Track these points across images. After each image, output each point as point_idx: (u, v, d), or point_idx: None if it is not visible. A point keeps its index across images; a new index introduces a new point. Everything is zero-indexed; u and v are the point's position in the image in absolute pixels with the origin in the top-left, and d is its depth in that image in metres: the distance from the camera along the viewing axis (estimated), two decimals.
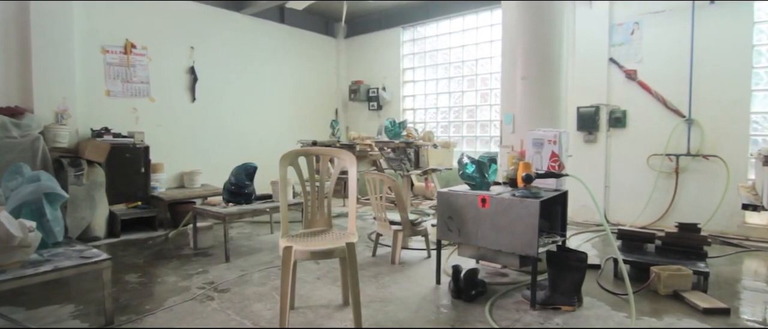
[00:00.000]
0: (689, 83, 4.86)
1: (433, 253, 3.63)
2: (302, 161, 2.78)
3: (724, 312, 2.72)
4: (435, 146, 5.71)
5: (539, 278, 2.89)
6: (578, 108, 5.49)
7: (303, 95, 8.04)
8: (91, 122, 5.15)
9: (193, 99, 6.33)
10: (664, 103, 5.05)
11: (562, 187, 3.17)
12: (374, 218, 4.19)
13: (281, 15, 7.66)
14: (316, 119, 8.22)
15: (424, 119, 8.02)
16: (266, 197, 4.55)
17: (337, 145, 6.34)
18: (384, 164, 6.20)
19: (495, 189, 3.12)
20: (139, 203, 5.18)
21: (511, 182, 3.15)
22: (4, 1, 4.56)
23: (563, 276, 2.78)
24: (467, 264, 3.40)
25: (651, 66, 5.14)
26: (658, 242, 3.54)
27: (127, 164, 5.10)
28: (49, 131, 4.60)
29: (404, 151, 5.40)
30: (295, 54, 7.91)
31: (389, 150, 5.50)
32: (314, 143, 6.31)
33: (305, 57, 8.12)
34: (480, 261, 3.55)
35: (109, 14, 5.39)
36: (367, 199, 4.35)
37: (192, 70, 6.30)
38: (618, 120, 5.33)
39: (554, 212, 3.22)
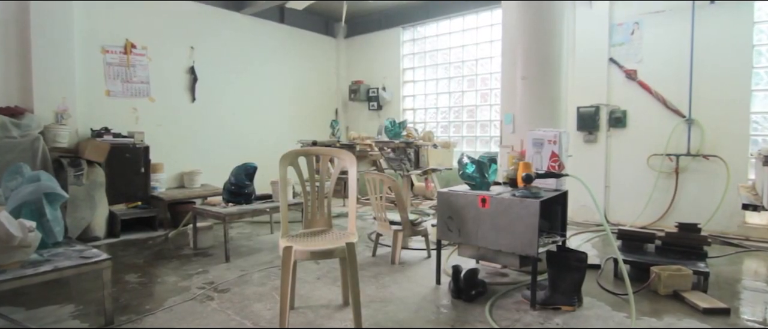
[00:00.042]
0: (689, 82, 4.86)
1: (433, 253, 3.63)
2: (302, 161, 2.78)
3: (724, 312, 2.72)
4: (435, 146, 5.71)
5: (539, 278, 2.89)
6: (578, 108, 5.49)
7: (303, 95, 8.04)
8: (91, 122, 5.15)
9: (193, 99, 6.33)
10: (664, 103, 5.05)
11: (562, 187, 3.17)
12: (374, 218, 4.19)
13: (281, 15, 7.66)
14: (316, 119, 8.22)
15: (424, 119, 8.02)
16: (266, 197, 4.55)
17: (337, 145, 6.34)
18: (384, 164, 6.20)
19: (495, 189, 3.12)
20: (139, 203, 5.18)
21: (511, 182, 3.15)
22: (4, 1, 4.56)
23: (563, 276, 2.78)
24: (467, 264, 3.40)
25: (651, 66, 5.14)
26: (658, 242, 3.54)
27: (127, 164, 5.10)
28: (49, 131, 4.60)
29: (404, 151, 5.39)
30: (295, 54, 7.90)
31: (389, 150, 5.50)
32: (314, 143, 6.30)
33: (305, 57, 8.12)
34: (480, 261, 3.55)
35: (109, 14, 5.39)
36: (367, 199, 4.35)
37: (192, 70, 6.30)
38: (618, 120, 5.33)
39: (554, 212, 3.22)
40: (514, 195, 2.87)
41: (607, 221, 5.20)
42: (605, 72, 5.39)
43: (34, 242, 2.42)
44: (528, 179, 2.91)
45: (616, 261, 3.43)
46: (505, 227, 2.82)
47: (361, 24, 8.55)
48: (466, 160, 3.17)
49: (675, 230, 3.60)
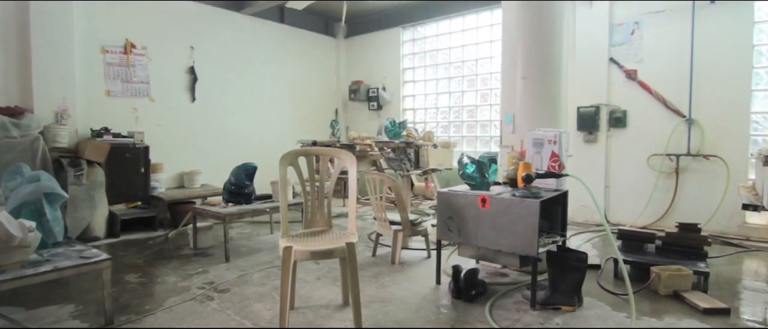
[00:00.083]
0: (689, 82, 4.86)
1: (433, 253, 3.63)
2: (302, 161, 2.78)
3: (725, 312, 2.72)
4: (435, 146, 5.71)
5: (539, 278, 2.89)
6: (578, 108, 5.49)
7: (303, 95, 8.04)
8: (91, 122, 5.15)
9: (193, 99, 6.33)
10: (665, 103, 5.04)
11: (562, 187, 3.17)
12: (374, 218, 4.19)
13: (281, 15, 7.66)
14: (316, 119, 8.22)
15: (424, 119, 8.01)
16: (266, 197, 4.55)
17: (337, 145, 6.33)
18: (384, 164, 6.20)
19: (495, 189, 3.12)
20: (139, 203, 5.18)
21: (511, 182, 3.15)
22: (4, 1, 4.56)
23: (563, 276, 2.78)
24: (467, 264, 3.40)
25: (651, 66, 5.13)
26: (658, 242, 3.54)
27: (127, 164, 5.10)
28: (48, 131, 4.60)
29: (404, 151, 5.39)
30: (295, 54, 7.90)
31: (389, 150, 5.50)
32: (314, 143, 6.30)
33: (305, 57, 8.12)
34: (480, 261, 3.55)
35: (109, 14, 5.39)
36: (367, 199, 4.35)
37: (192, 70, 6.30)
38: (618, 120, 5.33)
39: (554, 212, 3.21)
40: (514, 195, 2.86)
41: (607, 221, 5.20)
42: (605, 72, 5.39)
43: (33, 242, 2.41)
44: (528, 179, 2.91)
45: (616, 261, 3.42)
46: (505, 227, 2.82)
47: (361, 24, 8.55)
48: (466, 160, 3.17)
49: (675, 230, 3.60)
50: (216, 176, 5.82)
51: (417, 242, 4.34)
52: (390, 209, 4.13)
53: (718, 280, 3.33)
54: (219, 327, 2.57)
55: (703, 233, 3.52)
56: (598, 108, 5.41)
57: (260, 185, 4.77)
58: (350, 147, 6.27)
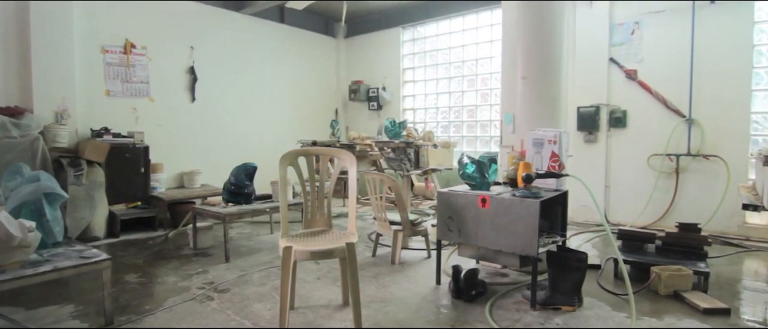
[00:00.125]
0: (689, 82, 4.86)
1: (433, 253, 3.63)
2: (302, 161, 2.78)
3: (725, 312, 2.72)
4: (435, 146, 5.71)
5: (539, 278, 2.89)
6: (578, 108, 5.49)
7: (303, 95, 8.04)
8: (91, 122, 5.15)
9: (193, 99, 6.33)
10: (665, 103, 5.04)
11: (562, 187, 3.17)
12: (374, 218, 4.19)
13: (281, 15, 7.65)
14: (316, 119, 8.21)
15: (424, 119, 8.01)
16: (266, 197, 4.55)
17: (337, 145, 6.33)
18: (384, 164, 6.20)
19: (495, 189, 3.12)
20: (139, 203, 5.17)
21: (511, 182, 3.15)
22: (4, 1, 4.56)
23: (563, 276, 2.77)
24: (467, 264, 3.40)
25: (651, 66, 5.13)
26: (658, 242, 3.54)
27: (127, 164, 5.10)
28: (48, 131, 4.60)
29: (404, 151, 5.39)
30: (295, 54, 7.90)
31: (389, 150, 5.50)
32: (314, 143, 6.30)
33: (305, 57, 8.12)
34: (480, 261, 3.55)
35: (109, 14, 5.39)
36: (367, 199, 4.34)
37: (192, 70, 6.30)
38: (618, 120, 5.32)
39: (554, 212, 3.21)
40: (514, 195, 2.86)
41: (608, 222, 5.20)
42: (605, 72, 5.38)
43: (33, 242, 2.41)
44: (528, 179, 2.91)
45: (616, 261, 3.42)
46: (505, 228, 2.82)
47: (361, 24, 8.54)
48: (466, 160, 3.17)
49: (675, 230, 3.60)
50: (216, 176, 5.82)
51: (417, 242, 4.34)
52: (390, 209, 4.13)
53: (719, 280, 3.33)
54: (219, 327, 2.57)
55: (703, 234, 3.52)
56: (598, 108, 5.40)
57: (260, 185, 4.77)
58: (350, 147, 6.27)
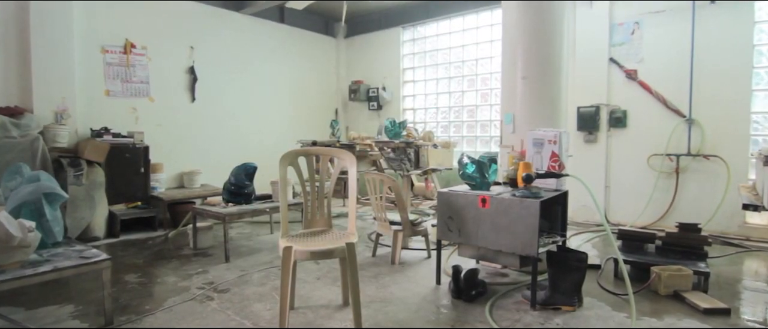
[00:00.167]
0: (690, 82, 4.86)
1: (433, 253, 3.63)
2: (302, 161, 2.77)
3: (725, 313, 2.72)
4: (435, 146, 5.71)
5: (539, 278, 2.89)
6: (578, 108, 5.48)
7: (303, 95, 8.04)
8: (91, 122, 5.15)
9: (193, 99, 6.33)
10: (665, 103, 5.04)
11: (562, 187, 3.16)
12: (374, 219, 4.19)
13: (281, 15, 7.65)
14: (316, 119, 8.21)
15: (424, 119, 8.01)
16: (266, 197, 4.55)
17: (337, 145, 6.33)
18: (384, 164, 6.19)
19: (495, 189, 3.11)
20: (139, 203, 5.17)
21: (512, 182, 3.15)
22: (4, 1, 4.56)
23: (563, 276, 2.77)
24: (467, 264, 3.40)
25: (651, 66, 5.13)
26: (658, 242, 3.54)
27: (127, 164, 5.10)
28: (48, 131, 4.60)
29: (404, 151, 5.39)
30: (295, 54, 7.90)
31: (389, 150, 5.50)
32: (314, 143, 6.30)
33: (305, 57, 8.11)
34: (480, 261, 3.55)
35: (108, 14, 5.39)
36: (367, 199, 4.34)
37: (192, 70, 6.30)
38: (618, 120, 5.32)
39: (554, 212, 3.21)
40: (514, 195, 2.86)
41: (608, 222, 5.19)
42: (605, 72, 5.38)
43: (33, 242, 2.41)
44: (528, 179, 2.91)
45: (616, 261, 3.42)
46: (505, 228, 2.82)
47: (361, 24, 8.54)
48: (466, 160, 3.17)
49: (675, 230, 3.59)
50: (216, 176, 5.82)
51: (417, 242, 4.34)
52: (390, 209, 4.12)
53: (719, 280, 3.33)
54: (219, 327, 2.57)
55: (703, 234, 3.52)
56: (598, 108, 5.40)
57: (260, 185, 4.77)
58: (350, 147, 6.27)
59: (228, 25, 6.77)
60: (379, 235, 4.04)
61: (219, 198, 4.39)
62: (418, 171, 5.50)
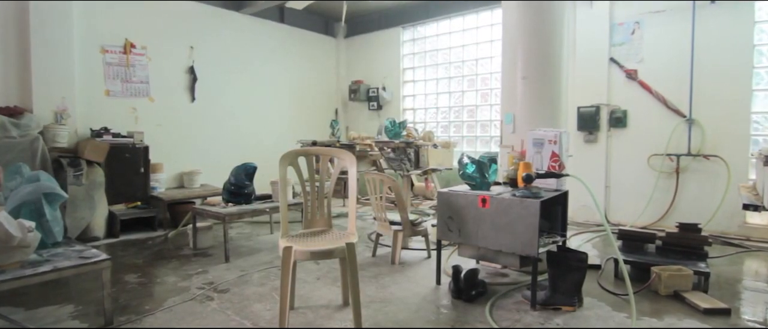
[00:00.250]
0: (690, 82, 4.86)
1: (433, 253, 3.63)
2: (302, 161, 2.77)
3: (725, 313, 2.71)
4: (435, 146, 5.71)
5: (539, 278, 2.88)
6: (579, 108, 5.48)
7: (303, 95, 8.04)
8: (91, 122, 5.14)
9: (193, 99, 6.33)
10: (665, 103, 5.04)
11: (562, 187, 3.16)
12: (374, 219, 4.18)
13: (281, 15, 7.65)
14: (316, 119, 8.21)
15: (424, 119, 8.01)
16: (266, 197, 4.54)
17: (337, 145, 6.33)
18: (384, 164, 6.19)
19: (495, 189, 3.11)
20: (139, 203, 5.17)
21: (512, 182, 3.15)
22: (4, 1, 4.55)
23: (564, 276, 2.77)
24: (467, 264, 3.39)
25: (651, 66, 5.13)
26: (658, 242, 3.53)
27: (127, 164, 5.10)
28: (48, 131, 4.60)
29: (404, 151, 5.39)
30: (295, 54, 7.90)
31: (389, 150, 5.50)
32: (314, 143, 6.30)
33: (305, 57, 8.11)
34: (480, 261, 3.55)
35: (108, 14, 5.39)
36: (367, 199, 4.34)
37: (191, 70, 6.29)
38: (618, 120, 5.32)
39: (554, 213, 3.21)
40: (514, 195, 2.86)
41: (608, 222, 5.19)
42: (606, 72, 5.38)
43: (33, 242, 2.41)
44: (528, 179, 2.91)
45: (616, 261, 3.42)
46: (506, 228, 2.81)
47: (361, 24, 8.54)
48: (466, 160, 3.16)
49: (675, 230, 3.59)
50: (216, 176, 5.81)
51: (417, 242, 4.33)
52: (390, 209, 4.12)
53: (719, 280, 3.33)
54: (219, 327, 2.57)
55: (703, 234, 3.52)
56: (598, 108, 5.40)
57: (260, 185, 4.77)
58: (350, 147, 6.27)
59: (228, 25, 6.77)
60: (379, 235, 4.04)
61: (219, 198, 4.39)
62: (418, 171, 5.50)
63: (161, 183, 5.63)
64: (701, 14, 4.80)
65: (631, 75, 5.25)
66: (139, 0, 5.66)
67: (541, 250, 2.80)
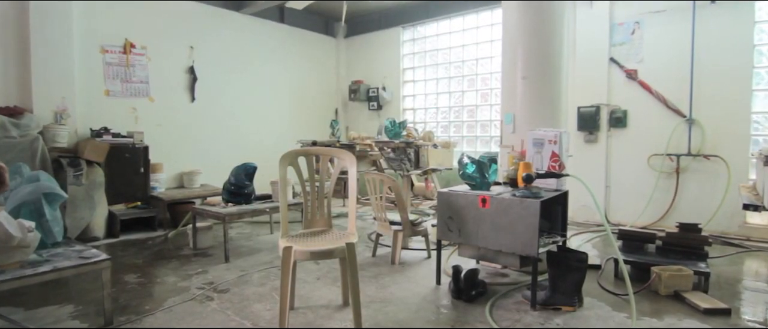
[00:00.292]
0: (690, 82, 4.86)
1: (433, 253, 3.63)
2: (302, 161, 2.77)
3: (725, 313, 2.71)
4: (435, 146, 5.71)
5: (539, 278, 2.88)
6: (579, 108, 5.48)
7: (303, 94, 8.04)
8: (91, 122, 5.14)
9: (193, 99, 6.32)
10: (665, 103, 5.04)
11: (562, 187, 3.16)
12: (374, 219, 4.18)
13: (281, 15, 7.65)
14: (316, 119, 8.21)
15: (424, 119, 8.01)
16: (266, 197, 4.54)
17: (337, 145, 6.33)
18: (384, 164, 6.19)
19: (495, 189, 3.11)
20: (139, 203, 5.17)
21: (512, 182, 3.15)
22: (4, 1, 4.55)
23: (564, 276, 2.77)
24: (467, 264, 3.39)
25: (652, 66, 5.13)
26: (658, 242, 3.53)
27: (127, 164, 5.10)
28: (48, 131, 4.60)
29: (404, 151, 5.39)
30: (295, 54, 7.90)
31: (389, 150, 5.50)
32: (314, 143, 6.30)
33: (305, 57, 8.11)
34: (480, 261, 3.55)
35: (108, 14, 5.39)
36: (367, 199, 4.34)
37: (191, 70, 6.29)
38: (618, 120, 5.32)
39: (555, 213, 3.21)
40: (514, 195, 2.86)
41: (608, 222, 5.19)
42: (606, 72, 5.38)
43: (33, 242, 2.41)
44: (528, 179, 2.91)
45: (616, 261, 3.42)
46: (506, 228, 2.81)
47: (361, 24, 8.54)
48: (466, 160, 3.16)
49: (676, 230, 3.59)
50: (216, 176, 5.81)
51: (417, 242, 4.33)
52: (390, 209, 4.12)
53: (719, 280, 3.33)
54: (219, 327, 2.57)
55: (703, 234, 3.52)
56: (598, 108, 5.40)
57: (260, 185, 4.77)
58: (350, 147, 6.26)
59: (228, 25, 6.77)
60: (379, 235, 4.04)
61: (219, 198, 4.39)
62: (418, 171, 5.50)
63: (161, 183, 5.63)
64: (701, 14, 4.80)
65: (631, 75, 5.25)
66: (139, 0, 5.66)
67: (541, 250, 2.80)
